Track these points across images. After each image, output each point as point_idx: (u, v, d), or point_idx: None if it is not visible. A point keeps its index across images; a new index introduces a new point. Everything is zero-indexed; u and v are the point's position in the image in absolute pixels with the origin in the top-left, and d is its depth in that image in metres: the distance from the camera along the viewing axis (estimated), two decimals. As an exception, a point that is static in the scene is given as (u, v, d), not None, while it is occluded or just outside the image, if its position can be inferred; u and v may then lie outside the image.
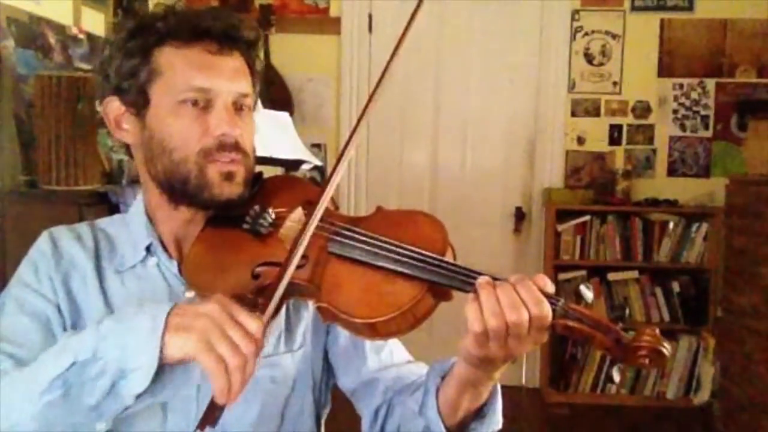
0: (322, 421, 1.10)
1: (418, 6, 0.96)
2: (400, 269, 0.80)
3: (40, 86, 1.75)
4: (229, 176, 0.92)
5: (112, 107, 0.95)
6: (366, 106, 0.93)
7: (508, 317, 0.73)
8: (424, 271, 0.79)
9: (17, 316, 0.92)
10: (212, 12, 0.94)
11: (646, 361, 0.74)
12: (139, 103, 0.93)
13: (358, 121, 0.93)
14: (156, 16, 0.93)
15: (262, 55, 1.02)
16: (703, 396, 3.49)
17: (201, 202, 0.93)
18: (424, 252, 0.80)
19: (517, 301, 0.74)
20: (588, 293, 0.77)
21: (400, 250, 0.81)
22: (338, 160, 0.89)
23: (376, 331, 0.79)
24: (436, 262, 0.79)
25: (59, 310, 0.94)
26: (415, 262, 0.80)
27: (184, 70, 0.90)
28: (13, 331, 0.91)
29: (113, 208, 1.78)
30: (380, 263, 0.81)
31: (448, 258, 0.82)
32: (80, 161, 1.77)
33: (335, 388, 1.09)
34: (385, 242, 0.82)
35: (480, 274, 0.78)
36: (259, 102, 1.08)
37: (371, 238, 0.84)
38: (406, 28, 0.95)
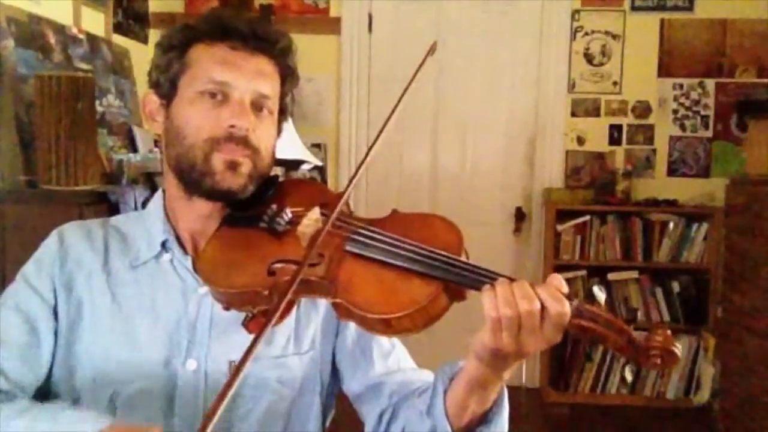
0: (327, 426, 1.10)
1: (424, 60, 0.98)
2: (416, 268, 0.81)
3: (40, 86, 1.74)
4: (232, 165, 0.94)
5: (150, 100, 1.01)
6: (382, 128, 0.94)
7: (520, 306, 0.74)
8: (440, 270, 0.80)
9: (9, 310, 0.95)
10: (244, 15, 0.99)
11: (658, 361, 0.75)
12: (169, 95, 0.97)
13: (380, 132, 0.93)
14: (197, 19, 0.99)
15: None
16: (703, 396, 3.49)
17: (204, 190, 0.95)
18: (441, 252, 0.81)
19: (530, 292, 0.75)
20: (600, 294, 0.78)
21: (417, 250, 0.82)
22: (360, 164, 0.91)
23: (391, 327, 0.79)
24: (453, 262, 0.80)
25: (54, 313, 0.96)
26: (431, 261, 0.80)
27: (208, 64, 0.95)
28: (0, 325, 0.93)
29: (113, 208, 1.78)
30: (397, 262, 0.82)
31: (464, 259, 0.83)
32: (80, 161, 1.77)
33: (339, 393, 1.09)
34: (402, 242, 0.83)
35: (497, 274, 0.79)
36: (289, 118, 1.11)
37: (388, 237, 0.85)
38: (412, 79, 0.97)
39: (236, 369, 0.72)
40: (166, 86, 0.97)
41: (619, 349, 0.76)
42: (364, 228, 0.88)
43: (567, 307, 0.74)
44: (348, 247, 0.86)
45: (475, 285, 0.79)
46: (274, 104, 1.00)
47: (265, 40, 0.97)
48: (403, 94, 0.95)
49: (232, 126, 0.93)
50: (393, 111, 0.94)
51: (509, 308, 0.74)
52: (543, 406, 3.51)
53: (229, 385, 0.70)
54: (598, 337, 0.75)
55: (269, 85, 0.98)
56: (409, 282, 0.80)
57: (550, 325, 0.75)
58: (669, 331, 0.76)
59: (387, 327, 0.80)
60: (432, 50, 1.00)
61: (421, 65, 0.98)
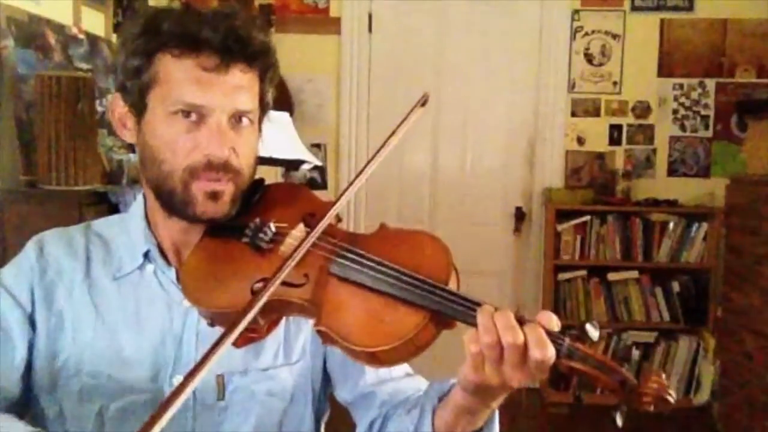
0: (322, 427, 1.09)
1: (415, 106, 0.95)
2: (402, 296, 0.77)
3: (40, 86, 1.74)
4: (213, 195, 0.89)
5: (117, 105, 0.94)
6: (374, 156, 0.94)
7: (502, 337, 0.71)
8: (427, 300, 0.76)
9: None
10: (216, 18, 0.88)
11: (651, 407, 0.73)
12: (138, 107, 0.91)
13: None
14: (163, 16, 0.89)
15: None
16: (703, 396, 3.49)
17: (186, 218, 0.92)
18: (428, 280, 0.77)
19: (512, 323, 0.72)
20: (594, 332, 0.74)
21: (404, 277, 0.78)
22: (349, 184, 0.89)
23: (377, 359, 0.77)
24: (440, 292, 0.76)
25: (31, 321, 0.93)
26: (418, 291, 0.77)
27: (179, 83, 0.87)
28: None
29: (113, 208, 1.78)
30: (382, 288, 0.79)
31: (452, 282, 0.79)
32: (80, 161, 1.77)
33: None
34: (388, 267, 0.79)
35: (484, 304, 0.76)
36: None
37: (374, 261, 0.81)
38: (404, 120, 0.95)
39: (201, 361, 0.69)
40: (134, 94, 0.90)
41: (611, 390, 0.74)
42: (349, 249, 0.83)
43: (550, 353, 0.71)
44: (332, 269, 0.82)
45: (462, 318, 0.75)
46: (255, 114, 0.93)
47: (239, 48, 0.88)
48: (387, 139, 0.91)
49: (211, 154, 0.87)
50: (378, 151, 0.92)
51: (489, 336, 0.71)
52: (543, 406, 3.51)
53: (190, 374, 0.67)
54: (589, 378, 0.72)
55: (248, 98, 0.90)
56: (395, 311, 0.77)
57: (535, 368, 0.72)
58: (664, 376, 0.73)
59: (372, 359, 0.77)
60: (422, 102, 0.94)
61: (409, 114, 0.92)
